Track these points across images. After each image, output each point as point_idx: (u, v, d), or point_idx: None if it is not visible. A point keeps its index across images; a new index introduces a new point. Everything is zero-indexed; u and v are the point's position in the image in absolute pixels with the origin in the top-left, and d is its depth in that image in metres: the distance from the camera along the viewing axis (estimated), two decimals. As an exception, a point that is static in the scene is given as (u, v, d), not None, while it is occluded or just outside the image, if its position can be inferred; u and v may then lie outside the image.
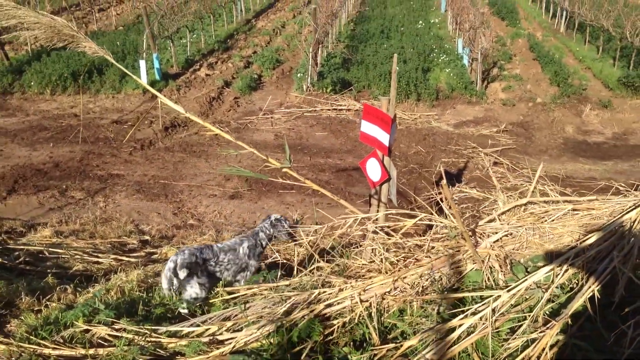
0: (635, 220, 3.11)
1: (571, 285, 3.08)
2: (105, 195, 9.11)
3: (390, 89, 4.41)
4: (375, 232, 3.76)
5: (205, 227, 8.18)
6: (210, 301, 4.08)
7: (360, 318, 3.21)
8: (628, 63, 16.65)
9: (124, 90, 14.57)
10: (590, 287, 2.84)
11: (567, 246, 3.29)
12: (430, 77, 16.13)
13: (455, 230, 3.48)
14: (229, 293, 4.10)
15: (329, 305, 3.27)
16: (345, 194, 9.26)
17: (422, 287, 3.29)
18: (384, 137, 5.13)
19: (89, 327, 3.52)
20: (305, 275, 3.74)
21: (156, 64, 15.08)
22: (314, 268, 3.77)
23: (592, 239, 3.14)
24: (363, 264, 3.61)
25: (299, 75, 15.62)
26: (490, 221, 3.82)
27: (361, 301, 3.24)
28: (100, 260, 6.22)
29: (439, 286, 3.30)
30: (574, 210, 3.71)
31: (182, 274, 4.01)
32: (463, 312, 3.01)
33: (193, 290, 4.09)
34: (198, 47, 18.93)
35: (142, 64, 13.99)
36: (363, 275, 3.53)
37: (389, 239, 3.68)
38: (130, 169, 10.27)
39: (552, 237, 3.41)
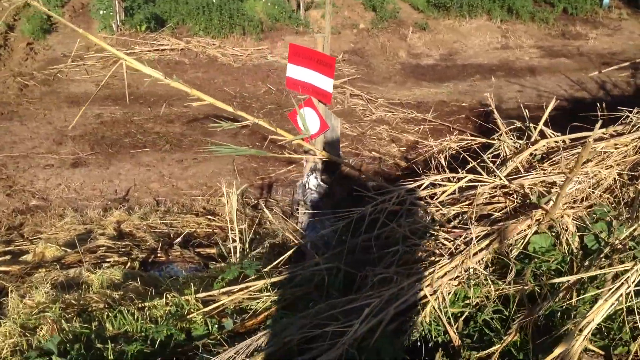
0: None
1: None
2: None
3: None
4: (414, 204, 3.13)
5: (59, 207, 6.72)
6: (188, 316, 3.16)
7: (432, 316, 2.65)
8: (430, -16, 17.36)
9: None
10: None
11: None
12: (246, 7, 15.18)
13: (543, 197, 2.94)
14: (203, 300, 3.23)
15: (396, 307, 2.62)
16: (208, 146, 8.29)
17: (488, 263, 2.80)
18: (325, 83, 4.45)
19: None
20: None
21: None
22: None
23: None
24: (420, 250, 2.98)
25: (101, 12, 13.54)
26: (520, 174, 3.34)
27: (431, 294, 2.66)
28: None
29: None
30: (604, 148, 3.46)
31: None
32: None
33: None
34: (-44, -17, 15.36)
35: None
36: (421, 261, 2.92)
37: (436, 210, 3.09)
38: None
39: (595, 182, 3.13)
